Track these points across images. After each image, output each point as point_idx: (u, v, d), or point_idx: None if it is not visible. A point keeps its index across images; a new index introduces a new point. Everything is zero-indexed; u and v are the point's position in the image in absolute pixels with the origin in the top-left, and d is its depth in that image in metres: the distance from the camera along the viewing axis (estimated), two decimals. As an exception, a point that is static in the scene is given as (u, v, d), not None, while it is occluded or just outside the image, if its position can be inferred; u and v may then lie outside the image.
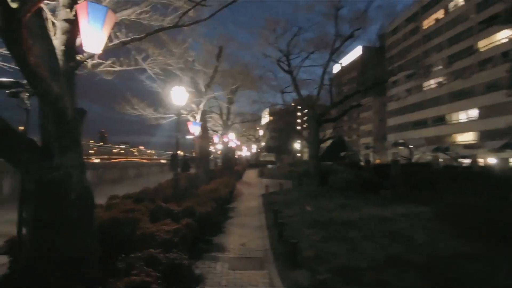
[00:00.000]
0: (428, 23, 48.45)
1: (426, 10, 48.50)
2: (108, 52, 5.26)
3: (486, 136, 35.75)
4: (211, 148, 22.62)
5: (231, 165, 24.37)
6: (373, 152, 50.98)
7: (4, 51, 4.00)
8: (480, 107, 37.69)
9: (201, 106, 11.54)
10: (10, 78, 3.65)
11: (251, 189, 16.28)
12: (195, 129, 10.34)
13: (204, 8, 5.49)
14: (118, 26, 4.83)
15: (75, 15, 3.42)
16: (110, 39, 4.26)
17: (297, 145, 51.40)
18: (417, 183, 12.26)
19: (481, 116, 37.68)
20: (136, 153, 35.72)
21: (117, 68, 5.39)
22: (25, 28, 2.31)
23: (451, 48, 42.80)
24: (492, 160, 32.21)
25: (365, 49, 48.41)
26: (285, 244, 5.44)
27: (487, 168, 23.94)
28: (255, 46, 15.46)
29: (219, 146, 22.34)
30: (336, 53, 14.77)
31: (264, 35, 14.61)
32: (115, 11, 3.53)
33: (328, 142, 23.78)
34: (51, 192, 3.16)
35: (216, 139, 20.23)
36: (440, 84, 42.96)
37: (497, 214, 5.87)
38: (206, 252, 5.36)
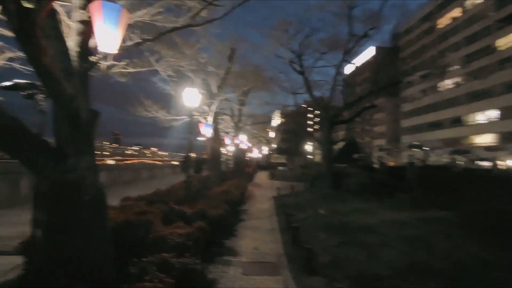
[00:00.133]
0: (443, 22, 47.24)
1: (442, 8, 47.31)
2: (121, 54, 5.29)
3: (507, 138, 34.42)
4: (222, 150, 22.63)
5: (242, 167, 24.32)
6: (386, 154, 49.97)
7: (22, 55, 4.06)
8: (500, 107, 36.33)
9: (213, 107, 11.51)
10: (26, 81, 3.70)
11: (263, 191, 16.15)
12: (207, 131, 10.31)
13: (217, 9, 5.46)
14: (131, 28, 4.83)
15: (90, 16, 3.42)
16: (124, 40, 4.25)
17: (308, 147, 50.95)
18: (435, 186, 11.84)
19: (502, 117, 36.30)
20: (148, 155, 36.20)
21: (131, 70, 5.39)
22: (39, 29, 2.29)
23: (468, 47, 41.54)
24: (513, 163, 30.97)
25: (378, 49, 47.57)
26: (300, 249, 5.29)
27: (508, 171, 22.99)
28: (267, 47, 15.36)
29: (230, 148, 22.31)
30: (349, 53, 14.50)
31: (276, 36, 14.50)
32: (129, 12, 3.49)
33: (341, 144, 23.41)
34: (64, 194, 3.13)
35: (227, 141, 20.21)
36: (457, 84, 41.74)
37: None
38: (219, 255, 5.27)
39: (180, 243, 3.77)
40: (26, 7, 2.05)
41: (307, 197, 12.42)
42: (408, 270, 4.33)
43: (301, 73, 14.70)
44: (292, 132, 43.31)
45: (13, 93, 3.56)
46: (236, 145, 21.40)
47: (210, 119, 11.49)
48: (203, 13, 5.23)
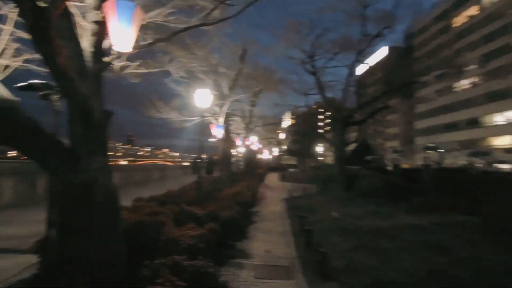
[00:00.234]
0: (459, 20, 45.98)
1: (458, 7, 46.08)
2: (134, 55, 5.31)
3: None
4: (233, 151, 22.63)
5: (253, 168, 24.25)
6: (400, 156, 48.94)
7: (38, 57, 4.11)
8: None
9: (224, 108, 11.50)
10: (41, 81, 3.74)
11: (274, 193, 16.02)
12: (218, 132, 10.30)
13: (229, 9, 5.41)
14: (144, 29, 4.83)
15: (104, 16, 3.41)
16: (137, 41, 4.24)
17: (319, 148, 50.42)
18: (451, 189, 11.45)
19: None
20: (160, 156, 36.71)
21: (144, 70, 5.41)
22: (54, 28, 2.28)
23: (486, 46, 40.26)
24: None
25: (391, 49, 46.76)
26: (313, 253, 5.16)
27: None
28: (278, 48, 15.28)
29: (241, 149, 22.29)
30: (362, 53, 14.25)
31: (288, 36, 14.41)
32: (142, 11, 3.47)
33: (353, 146, 23.04)
34: (77, 195, 3.13)
35: (238, 142, 20.20)
36: (473, 85, 40.49)
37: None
38: (230, 258, 5.19)
39: (192, 245, 3.71)
40: (40, 6, 2.04)
41: (319, 199, 12.22)
42: (428, 278, 4.14)
43: (313, 73, 14.54)
44: (303, 134, 42.94)
45: (28, 94, 3.61)
46: (247, 147, 21.36)
47: (221, 120, 11.48)
48: (215, 13, 5.21)
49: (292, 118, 48.62)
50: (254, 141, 23.84)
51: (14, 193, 9.61)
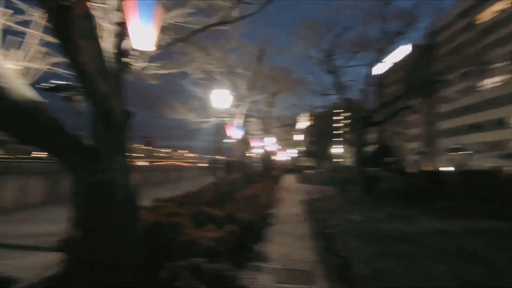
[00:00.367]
0: (485, 16, 43.90)
1: (483, 3, 44.02)
2: (154, 56, 5.35)
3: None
4: (250, 152, 22.57)
5: (269, 169, 24.12)
6: (422, 158, 47.27)
7: (64, 60, 4.21)
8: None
9: (242, 109, 11.47)
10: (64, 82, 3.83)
11: (291, 195, 15.82)
12: (235, 133, 10.27)
13: (247, 9, 5.36)
14: (163, 30, 4.85)
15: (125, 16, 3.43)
16: (157, 42, 4.24)
17: (337, 149, 49.62)
18: (478, 193, 10.83)
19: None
20: (178, 157, 37.27)
21: (164, 71, 5.45)
22: (76, 27, 2.29)
23: (514, 43, 38.19)
24: None
25: (413, 47, 45.27)
26: (334, 257, 4.99)
27: None
28: (296, 48, 15.10)
29: (257, 150, 22.23)
30: (383, 52, 13.81)
31: (305, 36, 14.19)
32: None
33: (373, 147, 22.40)
34: (97, 195, 3.15)
35: (254, 143, 20.13)
36: (500, 83, 38.46)
37: None
38: (249, 260, 5.09)
39: (211, 247, 3.65)
40: (63, 5, 2.05)
41: (338, 202, 11.92)
42: (461, 288, 3.87)
43: (332, 73, 14.25)
44: (320, 135, 42.37)
45: (51, 96, 3.71)
46: (263, 148, 21.26)
47: (238, 121, 11.46)
48: (233, 13, 5.17)
49: (309, 119, 48.10)
50: (270, 142, 23.72)
51: (39, 192, 9.98)
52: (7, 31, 3.43)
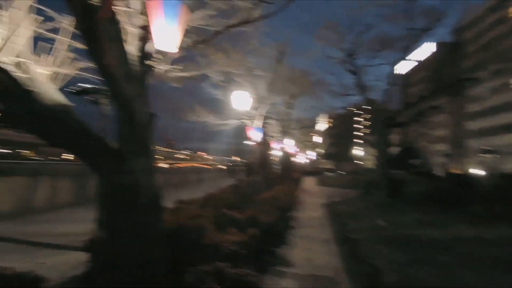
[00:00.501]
0: (519, 9, 41.32)
1: (516, -5, 41.46)
2: (176, 59, 5.39)
3: None
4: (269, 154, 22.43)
5: (288, 172, 23.88)
6: (449, 160, 45.09)
7: (91, 65, 4.33)
8: None
9: (262, 111, 11.40)
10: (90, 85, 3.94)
11: (311, 198, 15.53)
12: (255, 134, 10.21)
13: (269, 8, 5.29)
14: (185, 32, 4.88)
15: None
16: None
17: (358, 151, 48.41)
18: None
19: None
20: (197, 159, 37.81)
21: (186, 74, 5.47)
22: (101, 29, 2.30)
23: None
24: None
25: (439, 45, 43.40)
26: (361, 264, 4.76)
27: None
28: (315, 48, 14.88)
29: (277, 152, 22.06)
30: (408, 50, 13.27)
31: (326, 36, 13.94)
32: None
33: (396, 149, 21.61)
34: (122, 196, 3.17)
35: (274, 145, 19.99)
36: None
37: None
38: (271, 265, 4.97)
39: (234, 251, 3.58)
40: (90, 5, 2.07)
41: (361, 206, 11.54)
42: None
43: (354, 73, 13.88)
44: (340, 136, 41.50)
45: (77, 99, 3.83)
46: (283, 150, 21.07)
47: (258, 123, 11.40)
48: (254, 14, 5.12)
49: (329, 121, 47.31)
50: (290, 144, 23.48)
51: (67, 193, 10.37)
52: (37, 38, 3.54)
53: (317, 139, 42.34)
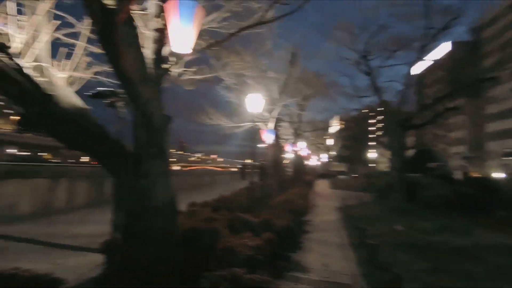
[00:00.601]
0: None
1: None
2: (190, 62, 5.40)
3: None
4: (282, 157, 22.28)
5: (301, 175, 23.64)
6: (467, 163, 43.58)
7: (107, 69, 4.39)
8: None
9: (274, 113, 11.33)
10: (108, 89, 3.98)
11: (325, 201, 15.28)
12: (268, 137, 10.14)
13: (283, 9, 5.23)
14: (199, 34, 4.88)
15: (164, 24, 3.46)
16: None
17: (371, 154, 47.46)
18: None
19: None
20: (210, 162, 38.04)
21: (199, 77, 5.47)
22: (119, 31, 2.29)
23: None
24: None
25: (456, 44, 42.13)
26: (379, 271, 4.59)
27: None
28: (328, 49, 14.73)
29: (289, 155, 21.89)
30: (425, 49, 12.90)
31: (339, 37, 13.77)
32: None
33: (411, 152, 21.05)
34: (138, 199, 3.15)
35: (287, 148, 19.85)
36: None
37: None
38: (286, 270, 4.87)
39: (250, 256, 3.50)
40: (108, 9, 2.06)
41: (376, 210, 11.24)
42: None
43: (368, 74, 13.60)
44: (354, 139, 40.80)
45: (94, 103, 3.87)
46: (295, 152, 20.88)
47: (271, 125, 11.32)
48: (268, 15, 5.07)
49: (341, 123, 46.69)
50: (302, 147, 23.26)
51: (85, 195, 10.59)
52: (54, 43, 3.61)
53: (330, 141, 41.83)
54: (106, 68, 4.29)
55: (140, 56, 3.12)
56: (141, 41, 3.41)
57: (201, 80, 6.36)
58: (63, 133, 2.95)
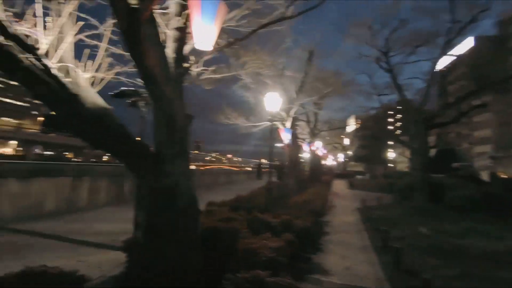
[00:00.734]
0: None
1: None
2: (208, 61, 5.38)
3: None
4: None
5: (318, 174, 23.33)
6: (494, 163, 41.55)
7: (127, 69, 4.44)
8: None
9: (292, 112, 11.19)
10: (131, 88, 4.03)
11: (343, 202, 14.96)
12: (286, 136, 10.02)
13: (303, 6, 5.11)
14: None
15: (185, 23, 3.44)
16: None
17: (390, 154, 46.20)
18: None
19: None
20: (225, 161, 38.21)
21: (218, 76, 5.44)
22: (143, 30, 2.28)
23: None
24: None
25: (479, 40, 40.23)
26: (406, 276, 4.40)
27: None
28: (346, 47, 14.40)
29: (306, 155, 21.66)
30: (450, 44, 12.34)
31: (357, 33, 13.42)
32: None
33: (432, 152, 20.26)
34: (161, 199, 3.15)
35: (303, 147, 19.63)
36: None
37: None
38: (308, 273, 4.75)
39: (272, 258, 3.43)
40: (132, 9, 2.05)
41: (398, 211, 10.86)
42: None
43: (389, 71, 13.18)
44: (371, 138, 39.80)
45: (116, 102, 3.94)
46: (312, 152, 20.62)
47: (288, 124, 11.20)
48: (289, 11, 4.97)
49: (358, 122, 45.74)
50: (319, 147, 22.95)
51: (107, 193, 10.85)
52: (77, 44, 3.66)
53: (347, 141, 41.08)
54: (126, 68, 4.34)
55: (163, 55, 3.11)
56: (162, 40, 3.41)
57: (219, 80, 6.34)
58: (87, 133, 2.98)
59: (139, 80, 4.67)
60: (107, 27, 3.90)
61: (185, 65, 3.68)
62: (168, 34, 3.57)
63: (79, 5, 3.48)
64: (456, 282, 4.25)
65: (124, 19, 2.06)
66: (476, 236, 6.85)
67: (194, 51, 4.35)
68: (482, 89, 12.93)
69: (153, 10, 2.88)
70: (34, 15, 3.00)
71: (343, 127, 32.69)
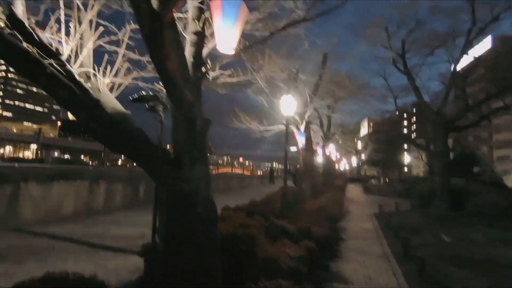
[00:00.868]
0: None
1: None
2: (224, 65, 5.36)
3: None
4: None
5: (332, 179, 22.97)
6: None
7: (143, 74, 4.47)
8: None
9: (306, 116, 11.05)
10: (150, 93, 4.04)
11: (359, 207, 14.63)
12: (301, 140, 9.89)
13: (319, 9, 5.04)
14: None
15: (203, 27, 3.42)
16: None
17: (405, 158, 45.15)
18: None
19: None
20: (237, 165, 38.18)
21: (234, 80, 5.41)
22: (166, 34, 2.26)
23: None
24: None
25: (498, 39, 38.91)
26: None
27: None
28: (361, 49, 14.18)
29: (319, 159, 21.39)
30: (470, 44, 11.94)
31: (373, 35, 13.18)
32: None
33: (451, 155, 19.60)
34: (181, 204, 3.10)
35: (317, 151, 19.39)
36: None
37: None
38: (327, 281, 4.61)
39: (293, 267, 3.31)
40: (155, 11, 2.02)
41: (418, 218, 10.49)
42: None
43: (407, 73, 12.86)
44: (387, 142, 38.97)
45: (133, 108, 3.96)
46: (326, 156, 20.34)
47: (302, 127, 11.06)
48: (306, 14, 4.90)
49: (373, 126, 44.97)
50: (332, 151, 22.64)
51: (122, 197, 10.98)
52: (96, 50, 3.71)
53: (361, 145, 40.40)
54: (143, 74, 4.36)
55: (183, 58, 3.10)
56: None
57: (233, 84, 6.31)
58: (107, 137, 2.98)
59: (156, 84, 4.71)
60: (125, 33, 3.94)
61: (203, 69, 3.65)
62: (186, 38, 3.56)
63: (98, 12, 3.53)
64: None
65: (146, 22, 2.04)
66: (505, 246, 6.49)
67: (211, 55, 4.34)
68: (503, 92, 12.43)
69: (174, 15, 2.87)
70: (55, 22, 3.05)
71: (356, 131, 32.16)
